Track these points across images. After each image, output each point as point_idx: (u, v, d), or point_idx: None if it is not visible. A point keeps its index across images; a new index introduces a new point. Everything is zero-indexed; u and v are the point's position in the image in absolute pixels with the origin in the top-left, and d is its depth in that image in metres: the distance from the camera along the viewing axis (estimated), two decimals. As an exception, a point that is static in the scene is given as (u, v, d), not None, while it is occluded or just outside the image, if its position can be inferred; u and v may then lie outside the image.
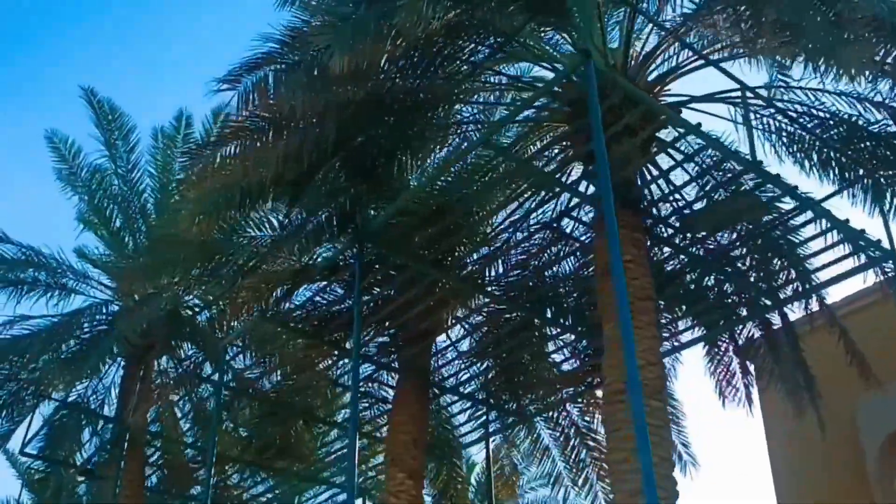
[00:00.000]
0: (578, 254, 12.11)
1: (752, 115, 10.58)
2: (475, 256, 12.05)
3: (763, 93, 10.57)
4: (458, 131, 11.26)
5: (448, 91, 10.19)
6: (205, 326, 14.53)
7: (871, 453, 15.03)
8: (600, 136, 7.67)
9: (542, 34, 10.63)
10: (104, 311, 15.81)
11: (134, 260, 15.77)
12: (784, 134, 11.14)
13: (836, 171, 11.11)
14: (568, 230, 11.71)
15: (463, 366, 14.24)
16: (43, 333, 15.42)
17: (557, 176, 10.85)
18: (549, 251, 11.74)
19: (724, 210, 10.09)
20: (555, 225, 10.99)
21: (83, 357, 14.53)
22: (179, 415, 17.16)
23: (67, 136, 17.45)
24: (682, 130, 9.99)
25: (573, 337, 13.38)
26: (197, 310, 14.79)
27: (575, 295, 12.67)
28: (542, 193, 10.98)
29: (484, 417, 15.13)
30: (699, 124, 8.84)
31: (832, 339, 13.02)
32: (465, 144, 11.32)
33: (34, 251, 16.41)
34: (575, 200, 10.97)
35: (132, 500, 15.10)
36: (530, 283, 12.22)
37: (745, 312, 12.91)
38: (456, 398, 14.75)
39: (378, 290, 12.59)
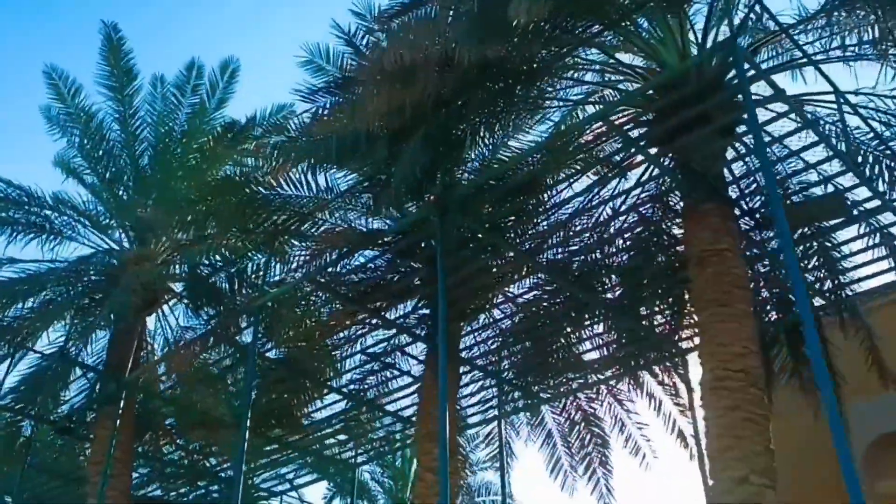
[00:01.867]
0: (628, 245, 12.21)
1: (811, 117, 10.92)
2: (547, 236, 11.89)
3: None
4: (542, 107, 11.15)
5: (549, 65, 10.04)
6: (224, 286, 13.92)
7: (858, 456, 15.63)
8: (756, 124, 7.71)
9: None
10: (107, 260, 15.02)
11: (151, 211, 14.94)
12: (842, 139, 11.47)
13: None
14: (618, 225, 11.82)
15: (482, 346, 14.23)
16: (37, 278, 14.60)
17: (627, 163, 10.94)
18: (625, 236, 11.72)
19: (810, 209, 10.31)
20: (641, 211, 10.98)
21: (90, 306, 13.82)
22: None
23: (68, 73, 16.44)
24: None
25: (600, 328, 13.53)
26: (217, 268, 14.08)
27: (618, 285, 12.78)
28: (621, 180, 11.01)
29: (495, 398, 15.09)
30: (817, 120, 8.99)
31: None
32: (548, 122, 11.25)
33: (26, 191, 15.45)
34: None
35: (123, 461, 14.39)
36: (584, 270, 12.21)
37: (774, 314, 13.23)
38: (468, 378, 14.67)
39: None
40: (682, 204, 10.89)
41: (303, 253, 12.29)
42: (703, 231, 9.59)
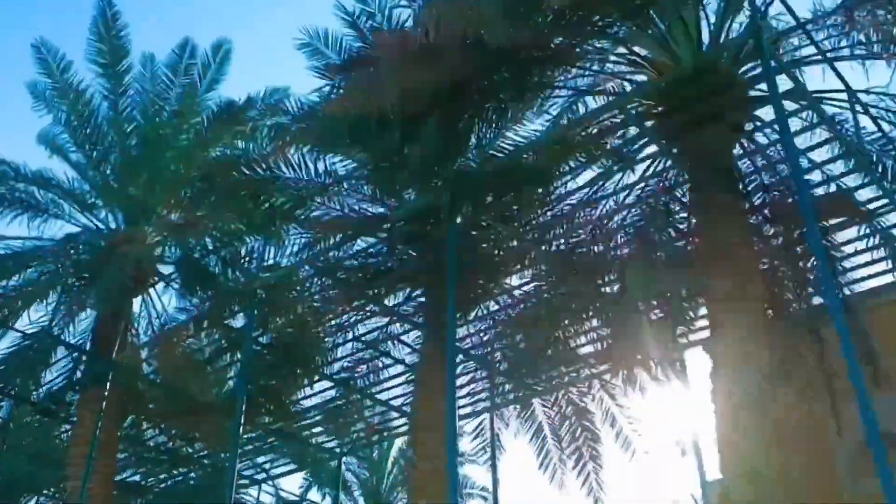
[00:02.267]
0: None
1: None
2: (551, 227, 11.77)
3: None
4: (553, 95, 11.04)
5: (565, 53, 9.92)
6: (217, 270, 13.65)
7: (841, 454, 15.68)
8: (783, 115, 7.65)
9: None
10: (95, 240, 14.69)
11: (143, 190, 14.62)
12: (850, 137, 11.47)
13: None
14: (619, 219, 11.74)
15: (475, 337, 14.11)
16: (22, 255, 14.28)
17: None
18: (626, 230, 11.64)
19: (820, 205, 10.28)
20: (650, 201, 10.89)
21: (76, 285, 13.52)
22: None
23: (57, 48, 16.02)
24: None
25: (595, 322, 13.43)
26: (210, 250, 13.80)
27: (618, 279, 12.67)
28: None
29: (485, 390, 14.95)
30: (833, 117, 8.96)
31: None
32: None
33: (11, 166, 15.07)
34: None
35: (107, 445, 14.09)
36: (586, 262, 12.08)
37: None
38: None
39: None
40: (685, 199, 10.84)
41: (300, 237, 12.10)
42: (716, 224, 9.55)
